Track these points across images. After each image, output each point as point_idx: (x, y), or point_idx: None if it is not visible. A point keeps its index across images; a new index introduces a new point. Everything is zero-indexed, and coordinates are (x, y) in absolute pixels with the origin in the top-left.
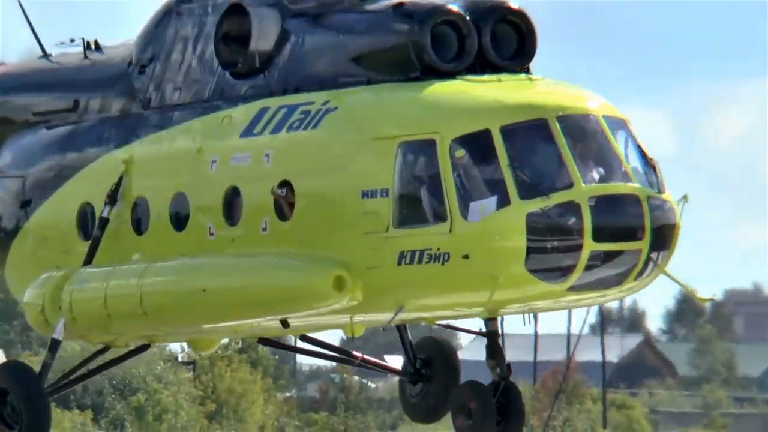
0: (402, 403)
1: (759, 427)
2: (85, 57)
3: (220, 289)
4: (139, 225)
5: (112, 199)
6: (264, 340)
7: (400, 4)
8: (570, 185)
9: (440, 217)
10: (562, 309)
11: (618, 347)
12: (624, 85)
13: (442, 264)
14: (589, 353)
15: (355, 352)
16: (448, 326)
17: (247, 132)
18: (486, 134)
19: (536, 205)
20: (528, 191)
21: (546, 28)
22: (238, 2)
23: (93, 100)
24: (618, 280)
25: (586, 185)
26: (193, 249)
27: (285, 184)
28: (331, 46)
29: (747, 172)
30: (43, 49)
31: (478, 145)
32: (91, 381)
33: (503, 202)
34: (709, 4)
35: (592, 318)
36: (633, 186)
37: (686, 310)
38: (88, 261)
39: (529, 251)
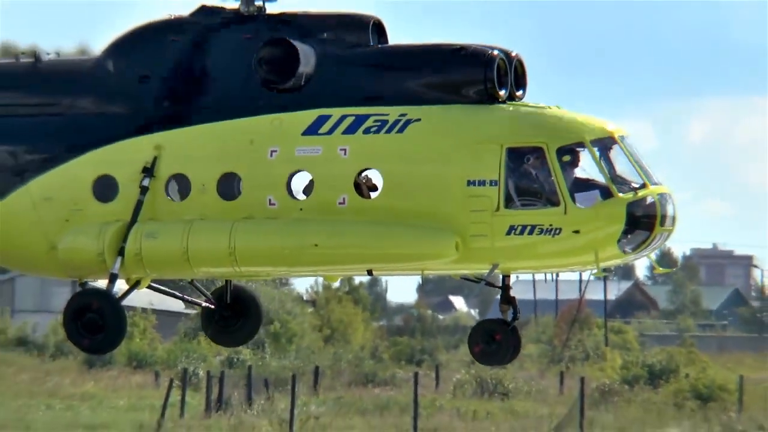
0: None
1: (715, 344)
2: (36, 65)
3: (335, 245)
4: (174, 194)
5: (149, 172)
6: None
7: (464, 47)
8: (644, 185)
9: (553, 202)
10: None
11: (615, 289)
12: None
13: (553, 236)
14: (594, 294)
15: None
16: (466, 278)
17: (312, 131)
18: (581, 145)
19: (630, 198)
20: (620, 188)
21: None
22: (282, 38)
23: (71, 98)
24: (653, 248)
25: (652, 186)
26: (248, 214)
27: (366, 171)
28: (380, 74)
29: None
30: None
31: (575, 152)
32: None
33: (607, 194)
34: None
35: None
36: (665, 187)
37: (665, 262)
38: (134, 219)
39: (624, 231)
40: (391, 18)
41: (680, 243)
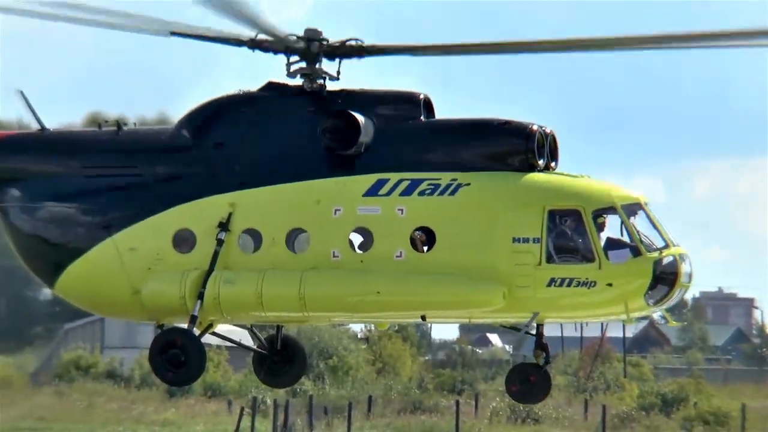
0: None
1: (721, 376)
2: (118, 133)
3: (395, 293)
4: (246, 247)
5: (225, 227)
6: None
7: (508, 122)
8: (667, 246)
9: (588, 259)
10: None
11: (633, 328)
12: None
13: (589, 288)
14: (614, 332)
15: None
16: (506, 327)
17: (372, 193)
18: (613, 209)
19: (656, 257)
20: (647, 247)
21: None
22: (345, 110)
23: (151, 162)
24: (672, 302)
25: (674, 247)
26: (313, 265)
27: (421, 229)
28: (429, 143)
29: (715, 216)
30: (41, 124)
31: (607, 215)
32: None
33: (636, 253)
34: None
35: None
36: (683, 248)
37: (676, 304)
38: (212, 267)
39: (649, 285)
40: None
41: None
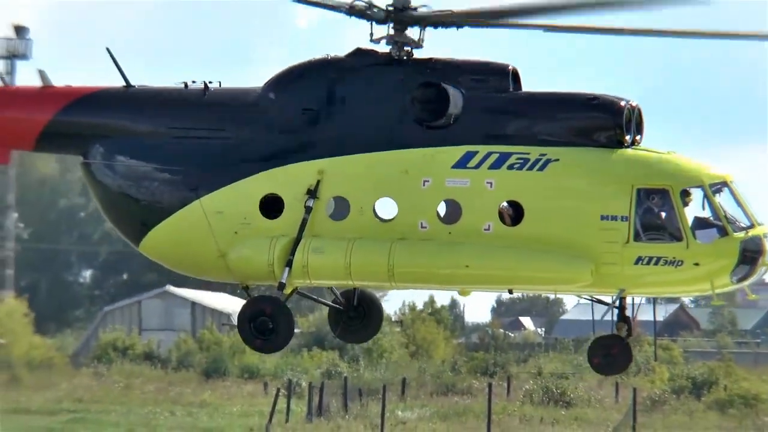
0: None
1: (750, 359)
2: (205, 93)
3: (484, 267)
4: (335, 215)
5: (313, 194)
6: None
7: (597, 97)
8: (752, 225)
9: (676, 237)
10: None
11: (663, 311)
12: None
13: (676, 267)
14: (645, 315)
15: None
16: (593, 299)
17: (461, 165)
18: (701, 187)
19: (742, 237)
20: (733, 227)
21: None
22: (435, 81)
23: (238, 124)
24: (754, 280)
25: (759, 226)
26: (401, 236)
27: (509, 203)
28: (521, 116)
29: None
30: (126, 80)
31: (695, 193)
32: None
33: (724, 232)
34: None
35: None
36: (767, 227)
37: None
38: (300, 235)
39: (735, 264)
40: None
41: None
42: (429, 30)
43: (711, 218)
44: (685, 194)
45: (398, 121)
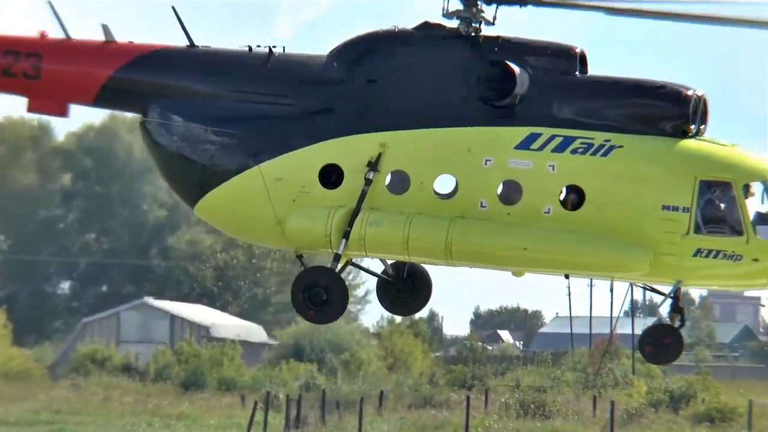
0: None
1: (728, 373)
2: (269, 58)
3: (542, 250)
4: (394, 189)
5: (374, 166)
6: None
7: (664, 85)
8: None
9: (737, 231)
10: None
11: (642, 325)
12: None
13: (735, 261)
14: (623, 329)
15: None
16: (644, 287)
17: (524, 146)
18: (764, 183)
19: None
20: None
21: None
22: (503, 60)
23: (302, 92)
24: None
25: None
26: (460, 213)
27: (570, 187)
28: (583, 99)
29: None
30: (190, 40)
31: (758, 189)
32: (315, 342)
33: None
34: None
35: (626, 307)
36: None
37: (684, 301)
38: (358, 207)
39: None
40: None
41: None
42: (494, 7)
43: None
44: (747, 188)
45: (463, 98)
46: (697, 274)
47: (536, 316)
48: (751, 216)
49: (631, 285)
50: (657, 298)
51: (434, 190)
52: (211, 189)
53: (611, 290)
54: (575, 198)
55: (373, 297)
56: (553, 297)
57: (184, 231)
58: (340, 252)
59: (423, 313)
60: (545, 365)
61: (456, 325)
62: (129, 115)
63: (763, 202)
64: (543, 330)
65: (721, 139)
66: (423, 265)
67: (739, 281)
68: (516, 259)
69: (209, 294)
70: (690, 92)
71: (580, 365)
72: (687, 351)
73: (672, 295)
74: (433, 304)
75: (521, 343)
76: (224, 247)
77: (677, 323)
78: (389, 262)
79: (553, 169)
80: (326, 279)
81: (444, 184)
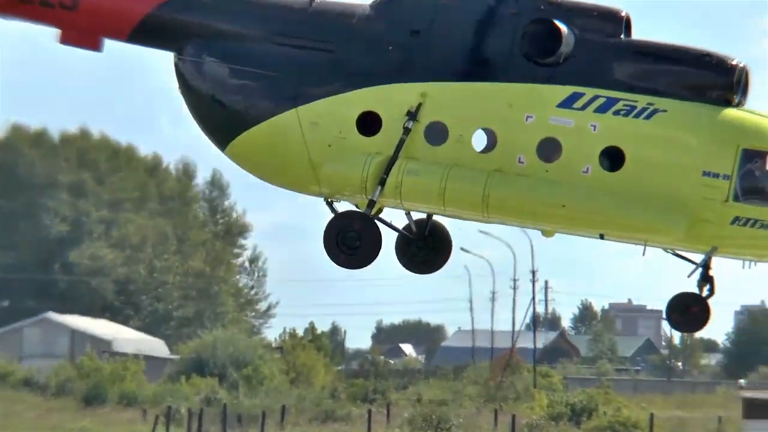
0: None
1: (630, 386)
2: (311, 3)
3: (580, 208)
4: (432, 139)
5: (413, 116)
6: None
7: (710, 54)
8: None
9: None
10: None
11: (544, 338)
12: None
13: None
14: (525, 342)
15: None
16: (675, 254)
17: (566, 105)
18: None
19: None
20: None
21: None
22: (549, 18)
23: (343, 39)
24: None
25: None
26: (497, 167)
27: (611, 149)
28: (631, 62)
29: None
30: None
31: None
32: (217, 357)
33: None
34: None
35: (528, 320)
36: None
37: (586, 315)
38: (395, 155)
39: None
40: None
41: (599, 298)
42: None
43: None
44: None
45: (507, 53)
46: (733, 242)
47: (438, 329)
48: None
49: (533, 299)
50: (559, 311)
51: (472, 144)
52: (244, 130)
53: (513, 305)
54: (615, 160)
55: (277, 311)
56: (455, 311)
57: (86, 245)
58: (375, 199)
59: (325, 327)
60: (447, 379)
61: (358, 339)
62: (32, 128)
63: None
64: (445, 344)
65: (763, 110)
66: (445, 227)
67: None
68: (553, 216)
69: (111, 308)
70: (735, 62)
71: (481, 379)
72: (588, 365)
73: (703, 263)
74: (336, 317)
75: (423, 356)
76: (125, 261)
77: (705, 292)
78: (414, 218)
79: (595, 129)
80: (360, 224)
81: (483, 138)
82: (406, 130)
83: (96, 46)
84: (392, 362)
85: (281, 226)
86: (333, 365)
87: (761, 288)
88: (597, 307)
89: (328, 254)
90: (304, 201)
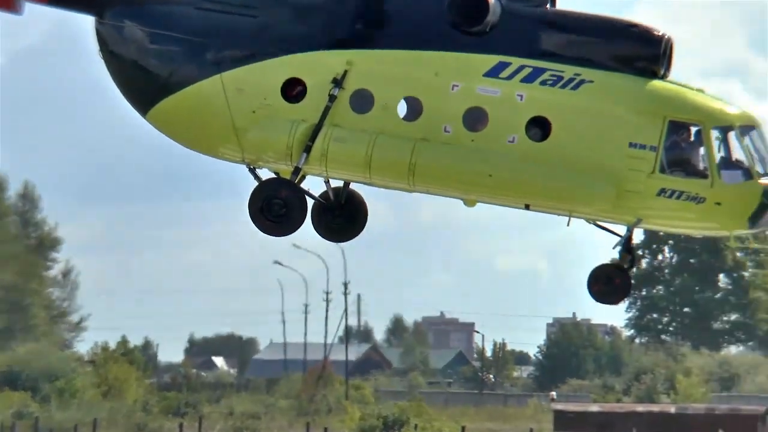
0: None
1: (442, 399)
2: None
3: (507, 178)
4: (357, 107)
5: (339, 83)
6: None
7: (637, 24)
8: None
9: (702, 175)
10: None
11: (356, 351)
12: None
13: (697, 203)
14: (337, 355)
15: None
16: (598, 225)
17: (492, 74)
18: (731, 128)
19: (766, 182)
20: (760, 172)
21: None
22: None
23: (270, 4)
24: (765, 229)
25: None
26: (423, 136)
27: (537, 118)
28: (560, 33)
29: (437, 242)
30: None
31: (726, 133)
32: (29, 370)
33: (748, 176)
34: None
35: (341, 332)
36: None
37: (398, 328)
38: (321, 122)
39: (756, 209)
40: None
41: (411, 311)
42: None
43: (737, 160)
44: (717, 132)
45: (434, 22)
46: (658, 213)
47: (251, 342)
48: (717, 160)
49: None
50: (372, 323)
51: (398, 112)
52: (166, 96)
53: (326, 317)
54: (542, 130)
55: (89, 324)
56: (268, 324)
57: None
58: (300, 165)
59: (138, 341)
60: (259, 392)
61: (170, 352)
62: None
63: (730, 146)
64: (257, 356)
65: (688, 82)
66: (361, 195)
67: (699, 224)
68: (479, 185)
69: None
70: (661, 33)
71: (293, 392)
72: (401, 377)
73: (627, 235)
74: (148, 331)
75: (236, 369)
76: None
77: (627, 264)
78: (331, 186)
79: (521, 99)
80: (286, 191)
81: (408, 106)
82: (332, 98)
83: (15, 8)
84: (204, 375)
85: (95, 238)
86: (145, 378)
87: (573, 301)
88: (409, 320)
89: (253, 222)
90: (119, 212)
